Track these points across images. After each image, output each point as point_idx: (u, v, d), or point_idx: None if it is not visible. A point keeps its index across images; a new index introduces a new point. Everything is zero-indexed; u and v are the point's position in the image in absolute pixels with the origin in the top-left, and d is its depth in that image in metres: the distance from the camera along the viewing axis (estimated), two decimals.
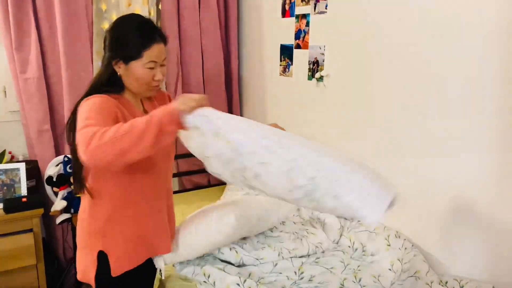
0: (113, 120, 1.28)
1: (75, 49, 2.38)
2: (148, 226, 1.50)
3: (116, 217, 1.45)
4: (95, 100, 1.32)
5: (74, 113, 1.36)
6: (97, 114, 1.25)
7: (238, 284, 1.63)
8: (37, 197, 2.24)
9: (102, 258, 1.44)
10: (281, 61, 2.61)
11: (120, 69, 1.38)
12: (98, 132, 1.13)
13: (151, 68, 1.37)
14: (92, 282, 1.47)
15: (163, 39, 1.40)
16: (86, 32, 2.41)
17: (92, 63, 2.48)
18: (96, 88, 1.40)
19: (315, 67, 2.33)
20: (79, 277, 1.53)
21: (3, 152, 2.36)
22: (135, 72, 1.37)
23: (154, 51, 1.35)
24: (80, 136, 1.16)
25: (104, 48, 1.42)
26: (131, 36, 1.35)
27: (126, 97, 1.44)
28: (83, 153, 1.13)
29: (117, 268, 1.44)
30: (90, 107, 1.28)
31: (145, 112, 1.50)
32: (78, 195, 2.29)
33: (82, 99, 1.36)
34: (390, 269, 1.80)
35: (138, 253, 1.49)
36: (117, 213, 1.45)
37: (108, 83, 1.40)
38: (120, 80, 1.41)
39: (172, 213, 1.63)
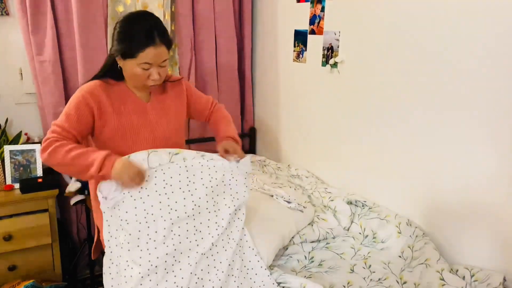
0: (81, 122, 1.47)
1: (90, 32, 2.39)
2: None
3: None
4: (80, 94, 1.48)
5: None
6: (69, 117, 1.46)
7: None
8: (52, 178, 2.28)
9: (98, 233, 1.62)
10: (295, 46, 2.59)
11: (120, 62, 1.49)
12: (52, 147, 1.38)
13: (146, 69, 1.45)
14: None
15: (166, 43, 1.46)
16: (101, 14, 2.42)
17: (107, 46, 2.49)
18: (101, 73, 1.56)
19: (329, 53, 2.31)
20: None
21: (19, 134, 2.40)
22: (129, 69, 1.47)
23: (149, 54, 1.43)
24: (47, 135, 1.43)
25: (112, 39, 1.51)
26: (130, 36, 1.43)
27: (127, 85, 1.58)
28: (41, 154, 1.41)
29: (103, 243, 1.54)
30: (72, 101, 1.48)
31: (150, 103, 1.62)
32: None
33: (92, 79, 1.56)
34: (400, 256, 1.80)
35: None
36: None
37: (111, 70, 1.54)
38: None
39: None
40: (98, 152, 1.38)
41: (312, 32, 2.42)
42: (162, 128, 1.61)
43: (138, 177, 1.38)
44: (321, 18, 2.34)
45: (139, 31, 1.42)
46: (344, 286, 1.63)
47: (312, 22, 2.41)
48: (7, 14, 2.34)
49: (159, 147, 1.57)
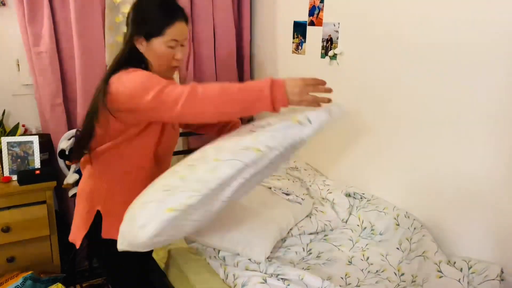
0: None
1: (87, 23, 2.37)
2: None
3: (115, 190, 1.48)
4: (140, 71, 1.33)
5: (106, 83, 1.34)
6: (159, 79, 1.27)
7: (249, 260, 1.66)
8: (50, 170, 2.27)
9: (97, 218, 1.47)
10: (294, 38, 2.57)
11: (142, 46, 1.39)
12: (200, 87, 1.20)
13: (172, 47, 1.38)
14: (78, 241, 1.51)
15: (185, 18, 1.40)
16: (98, 5, 2.40)
17: (104, 38, 2.47)
18: (121, 64, 1.39)
19: (328, 44, 2.29)
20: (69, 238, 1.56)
21: (17, 125, 2.40)
22: (156, 50, 1.38)
23: (176, 29, 1.36)
24: (169, 95, 1.22)
25: (127, 25, 1.42)
26: (155, 12, 1.36)
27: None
28: (181, 106, 1.19)
29: (106, 231, 1.46)
30: (142, 77, 1.30)
31: None
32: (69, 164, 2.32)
33: (110, 74, 1.36)
34: (398, 248, 1.81)
35: None
36: (116, 186, 1.49)
37: (131, 60, 1.40)
38: (143, 57, 1.41)
39: None
40: (254, 82, 1.27)
41: (312, 23, 2.40)
42: None
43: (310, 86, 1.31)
44: (320, 10, 2.32)
45: (163, 8, 1.36)
46: (342, 278, 1.63)
47: (311, 13, 2.40)
48: (4, 4, 2.32)
49: (176, 135, 1.56)
